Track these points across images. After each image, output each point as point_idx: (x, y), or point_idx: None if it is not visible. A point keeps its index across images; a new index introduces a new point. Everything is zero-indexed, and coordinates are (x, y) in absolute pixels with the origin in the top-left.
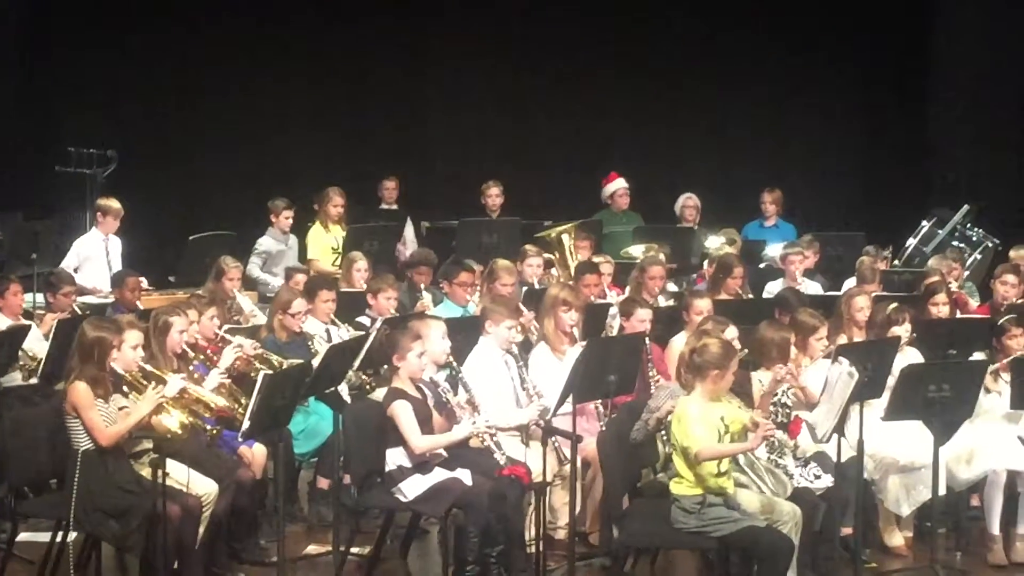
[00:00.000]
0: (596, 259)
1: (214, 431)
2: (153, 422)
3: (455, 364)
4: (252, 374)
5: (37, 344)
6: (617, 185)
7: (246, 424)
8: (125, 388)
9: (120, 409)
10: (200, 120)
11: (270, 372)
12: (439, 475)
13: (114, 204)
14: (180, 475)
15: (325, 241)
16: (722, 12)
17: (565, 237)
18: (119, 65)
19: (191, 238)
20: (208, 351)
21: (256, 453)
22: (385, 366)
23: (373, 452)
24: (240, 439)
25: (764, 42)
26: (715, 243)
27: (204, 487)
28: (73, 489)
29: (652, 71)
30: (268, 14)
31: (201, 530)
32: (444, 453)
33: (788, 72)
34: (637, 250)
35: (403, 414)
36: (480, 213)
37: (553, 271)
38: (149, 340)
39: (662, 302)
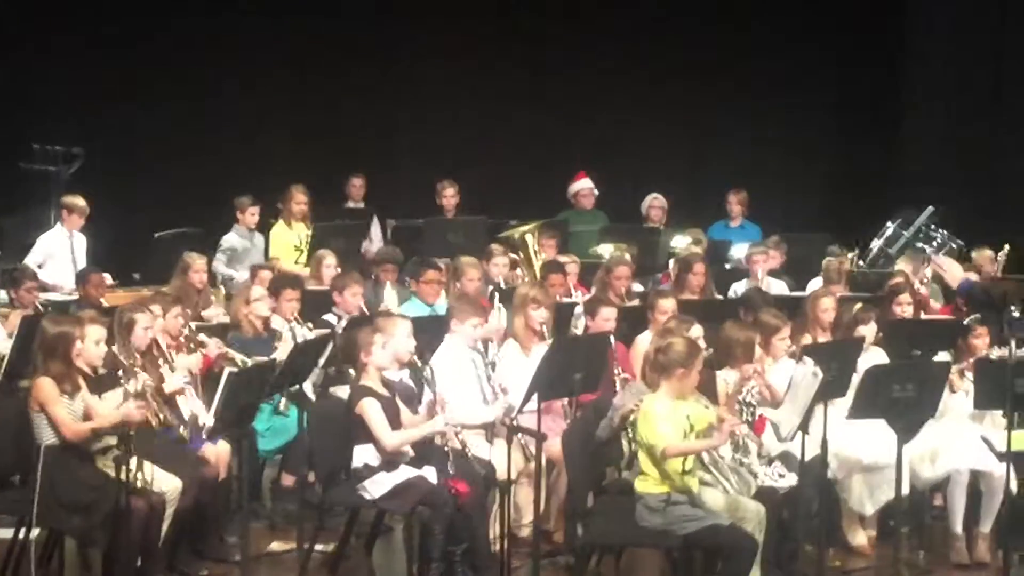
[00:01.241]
0: (562, 259)
1: (185, 431)
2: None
3: (419, 362)
4: (217, 370)
5: (1, 343)
6: (582, 185)
7: (211, 422)
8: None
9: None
10: (166, 117)
11: (234, 370)
12: (404, 473)
13: (79, 201)
14: (144, 472)
15: (287, 239)
16: (691, 11)
17: (529, 237)
18: (84, 61)
19: (156, 235)
20: (172, 349)
21: (220, 451)
22: (351, 370)
23: (338, 449)
24: (204, 437)
25: (733, 41)
26: (681, 243)
27: (168, 483)
28: (36, 485)
29: (620, 70)
30: (234, 11)
31: (165, 527)
32: (411, 451)
33: (756, 72)
34: (606, 249)
35: (372, 411)
36: (437, 212)
37: (518, 271)
38: (113, 337)
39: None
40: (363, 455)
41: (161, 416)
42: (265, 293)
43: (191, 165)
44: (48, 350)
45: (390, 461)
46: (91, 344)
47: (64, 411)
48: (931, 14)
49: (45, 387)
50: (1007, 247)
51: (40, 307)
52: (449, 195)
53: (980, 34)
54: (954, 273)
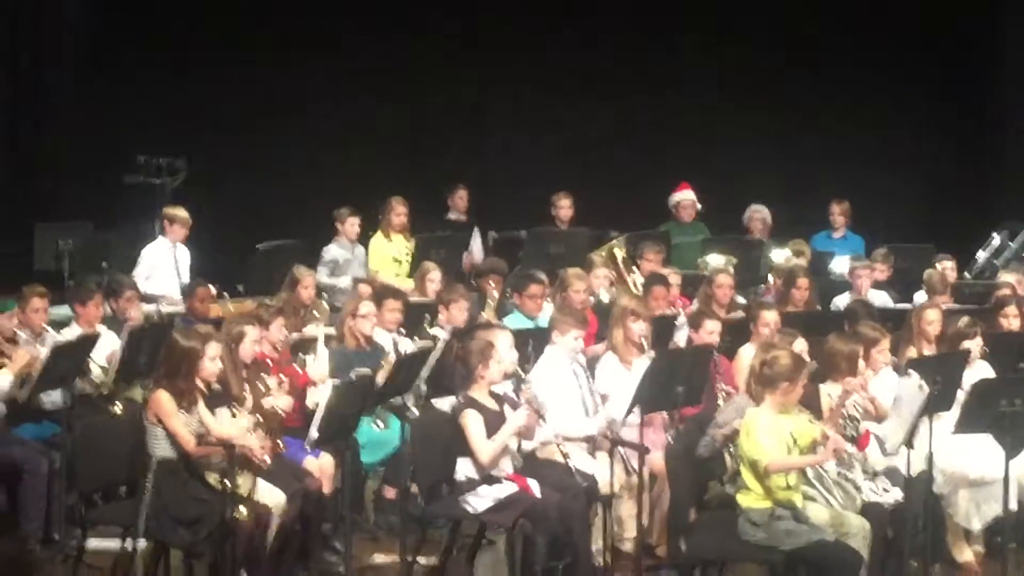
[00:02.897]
0: (664, 271)
1: (281, 444)
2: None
3: (522, 374)
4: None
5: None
6: (683, 196)
7: (314, 434)
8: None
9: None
10: (268, 129)
11: (337, 382)
12: (507, 487)
13: (181, 213)
14: (249, 485)
15: (387, 251)
16: (793, 23)
17: (617, 251)
18: (188, 74)
19: (259, 247)
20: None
21: (323, 464)
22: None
23: (440, 462)
24: (307, 448)
25: (832, 52)
26: (780, 256)
27: (272, 497)
28: (145, 496)
29: (722, 81)
30: (337, 23)
31: (270, 539)
32: (517, 462)
33: (857, 81)
34: (715, 260)
35: (472, 425)
36: (546, 223)
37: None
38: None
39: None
40: (466, 467)
41: (280, 443)
42: (373, 309)
43: (293, 176)
44: (175, 363)
45: (491, 475)
46: (208, 360)
47: (182, 425)
48: None
49: (164, 400)
50: None
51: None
52: (564, 206)
53: None
54: None
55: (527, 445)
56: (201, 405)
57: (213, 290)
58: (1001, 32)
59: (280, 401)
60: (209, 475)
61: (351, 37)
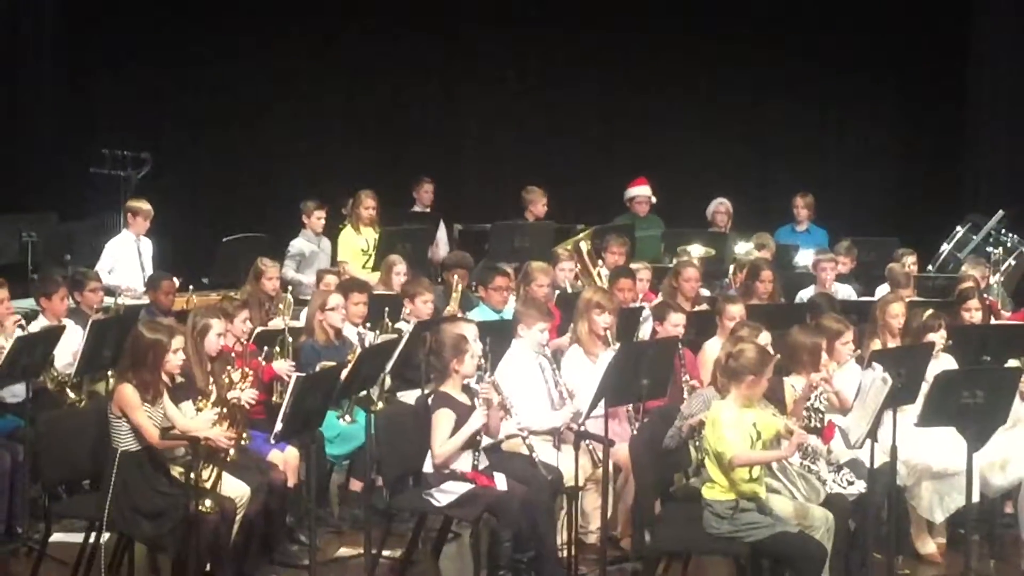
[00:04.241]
0: (634, 265)
1: (247, 437)
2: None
3: (485, 366)
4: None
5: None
6: (638, 191)
7: (278, 427)
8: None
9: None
10: (234, 122)
11: (302, 375)
12: (470, 484)
13: (144, 205)
14: (214, 478)
15: (356, 243)
16: (756, 19)
17: (583, 244)
18: (154, 67)
19: (224, 240)
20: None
21: (288, 457)
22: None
23: (405, 455)
24: (272, 442)
25: (799, 46)
26: (743, 249)
27: (237, 490)
28: (110, 489)
29: (686, 76)
30: (301, 18)
31: (234, 532)
32: (478, 461)
33: (823, 76)
34: (697, 251)
35: (441, 423)
36: (511, 216)
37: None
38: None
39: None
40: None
41: (245, 435)
42: (342, 301)
43: (258, 169)
44: (139, 356)
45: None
46: (173, 353)
47: (146, 418)
48: (997, 15)
49: (128, 393)
50: None
51: (110, 310)
52: (538, 202)
53: None
54: None
55: (488, 440)
56: (166, 398)
57: (177, 283)
58: (968, 27)
59: (245, 394)
60: (174, 468)
61: (317, 30)
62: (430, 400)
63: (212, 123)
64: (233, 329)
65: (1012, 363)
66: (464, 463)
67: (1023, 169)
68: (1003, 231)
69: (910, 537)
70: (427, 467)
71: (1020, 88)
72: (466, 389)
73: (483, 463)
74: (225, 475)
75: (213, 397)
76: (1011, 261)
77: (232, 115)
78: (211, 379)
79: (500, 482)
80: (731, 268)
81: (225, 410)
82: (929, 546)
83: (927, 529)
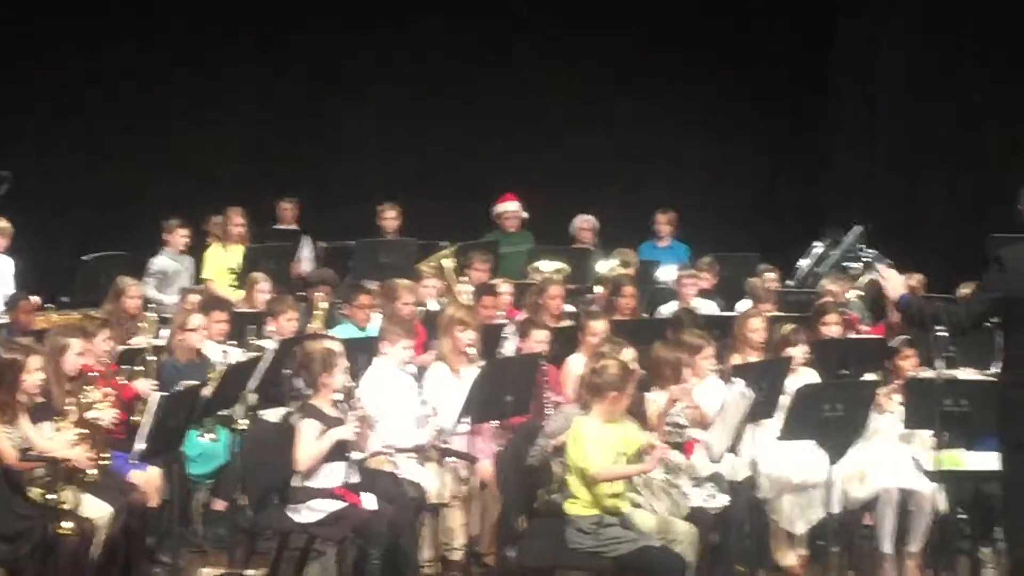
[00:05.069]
0: (496, 281)
1: (108, 457)
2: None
3: (352, 385)
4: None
5: None
6: (505, 207)
7: (141, 446)
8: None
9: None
10: (95, 139)
11: (164, 394)
12: (340, 502)
13: (2, 223)
14: (74, 499)
15: (223, 261)
16: (620, 33)
17: (446, 262)
18: (11, 80)
19: (84, 258)
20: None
21: (150, 477)
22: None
23: (270, 473)
24: (133, 461)
25: (659, 62)
26: (606, 266)
27: (98, 511)
28: None
29: (550, 92)
30: (165, 32)
31: (95, 554)
32: (350, 477)
33: (684, 92)
34: (548, 266)
35: (306, 432)
36: (375, 234)
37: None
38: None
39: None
40: (299, 477)
41: (106, 456)
42: (204, 321)
43: (118, 187)
44: None
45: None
46: (30, 373)
47: (5, 440)
48: (855, 32)
49: None
50: (919, 276)
51: None
52: (390, 217)
53: (902, 51)
54: (895, 286)
55: (358, 456)
56: (24, 419)
57: (37, 301)
58: (830, 45)
59: (105, 414)
60: (32, 490)
61: (181, 44)
62: (297, 412)
63: (72, 139)
64: (94, 348)
65: (869, 376)
66: (335, 478)
67: (881, 185)
68: (861, 246)
69: (771, 550)
70: (295, 480)
71: (879, 106)
72: (336, 405)
73: (354, 478)
74: (86, 496)
75: (73, 417)
76: (869, 276)
77: (92, 132)
78: (70, 399)
79: (369, 502)
80: (595, 286)
81: (86, 430)
82: (790, 558)
83: (788, 541)
